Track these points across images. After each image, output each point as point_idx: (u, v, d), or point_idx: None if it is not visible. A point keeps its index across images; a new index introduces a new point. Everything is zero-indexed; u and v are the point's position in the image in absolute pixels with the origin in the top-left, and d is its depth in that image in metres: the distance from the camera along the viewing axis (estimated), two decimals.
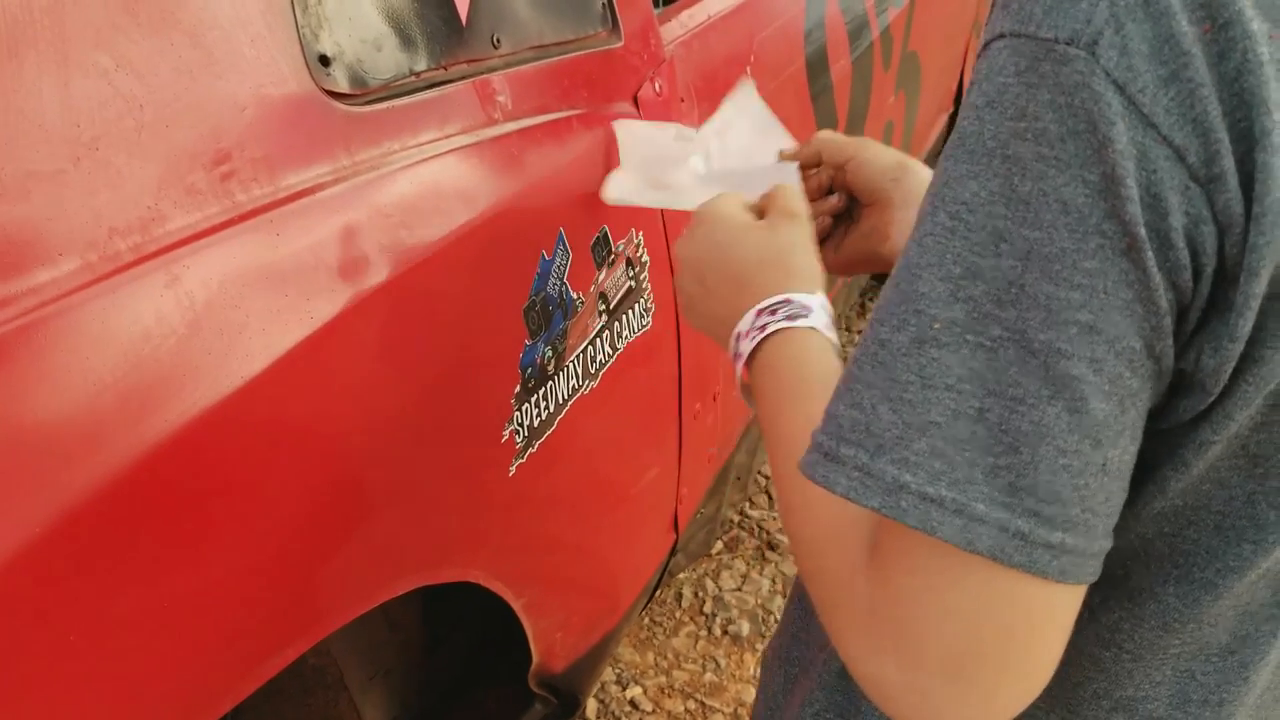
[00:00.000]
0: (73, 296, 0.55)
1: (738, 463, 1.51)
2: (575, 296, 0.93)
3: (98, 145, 0.57)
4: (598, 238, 0.96)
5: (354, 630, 1.09)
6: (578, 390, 0.94)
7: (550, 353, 0.89)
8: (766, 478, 2.37)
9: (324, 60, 0.72)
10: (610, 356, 0.99)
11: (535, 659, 1.01)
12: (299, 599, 0.66)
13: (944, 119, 2.41)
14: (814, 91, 1.43)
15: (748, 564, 2.14)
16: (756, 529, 2.23)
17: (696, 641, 1.97)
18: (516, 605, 0.93)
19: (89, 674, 0.53)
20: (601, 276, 0.97)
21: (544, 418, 0.89)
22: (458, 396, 0.79)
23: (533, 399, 0.87)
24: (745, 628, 1.99)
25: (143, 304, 0.57)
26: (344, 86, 0.73)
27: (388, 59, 0.77)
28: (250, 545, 0.62)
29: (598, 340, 0.97)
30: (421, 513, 0.76)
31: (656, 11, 1.17)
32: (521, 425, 0.86)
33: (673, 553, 1.24)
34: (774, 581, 2.10)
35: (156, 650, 0.57)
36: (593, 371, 0.96)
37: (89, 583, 0.52)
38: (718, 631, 1.99)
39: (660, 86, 1.08)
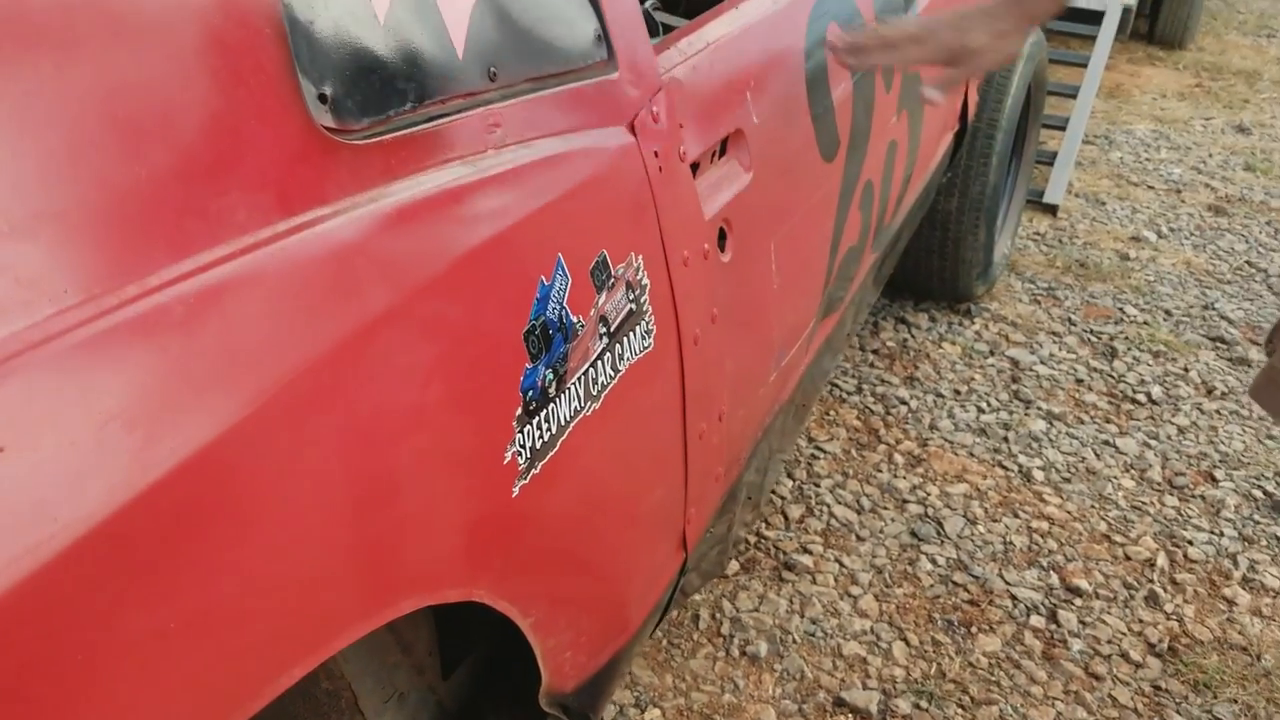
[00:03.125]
0: (76, 331, 0.57)
1: (748, 481, 1.52)
2: (575, 320, 0.95)
3: (94, 188, 0.60)
4: (597, 262, 0.98)
5: (366, 653, 1.11)
6: (580, 412, 0.96)
7: (551, 375, 0.91)
8: (782, 498, 2.38)
9: (323, 98, 0.74)
10: (612, 378, 1.01)
11: (545, 678, 1.02)
12: (303, 618, 0.68)
13: (949, 137, 2.42)
14: (815, 113, 1.45)
15: (765, 585, 2.15)
16: (773, 549, 2.23)
17: (714, 663, 1.97)
18: (524, 625, 0.94)
19: (93, 690, 0.54)
20: (601, 300, 0.98)
21: (546, 439, 0.91)
22: (460, 420, 0.81)
23: (534, 421, 0.89)
24: (763, 648, 1.99)
25: (149, 336, 0.59)
26: (343, 123, 0.75)
27: (385, 94, 0.79)
28: (254, 565, 0.64)
29: (599, 362, 0.99)
30: (426, 534, 0.77)
31: (655, 40, 1.19)
32: (523, 447, 0.88)
33: (682, 571, 1.25)
34: (791, 602, 2.11)
35: (159, 668, 0.59)
36: (595, 393, 0.98)
37: (96, 601, 0.54)
38: (735, 652, 1.99)
39: (657, 113, 1.10)
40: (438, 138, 0.83)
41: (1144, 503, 2.42)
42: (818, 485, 2.43)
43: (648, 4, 1.78)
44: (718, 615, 2.07)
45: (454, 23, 0.87)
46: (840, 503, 2.39)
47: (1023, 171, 3.26)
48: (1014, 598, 2.14)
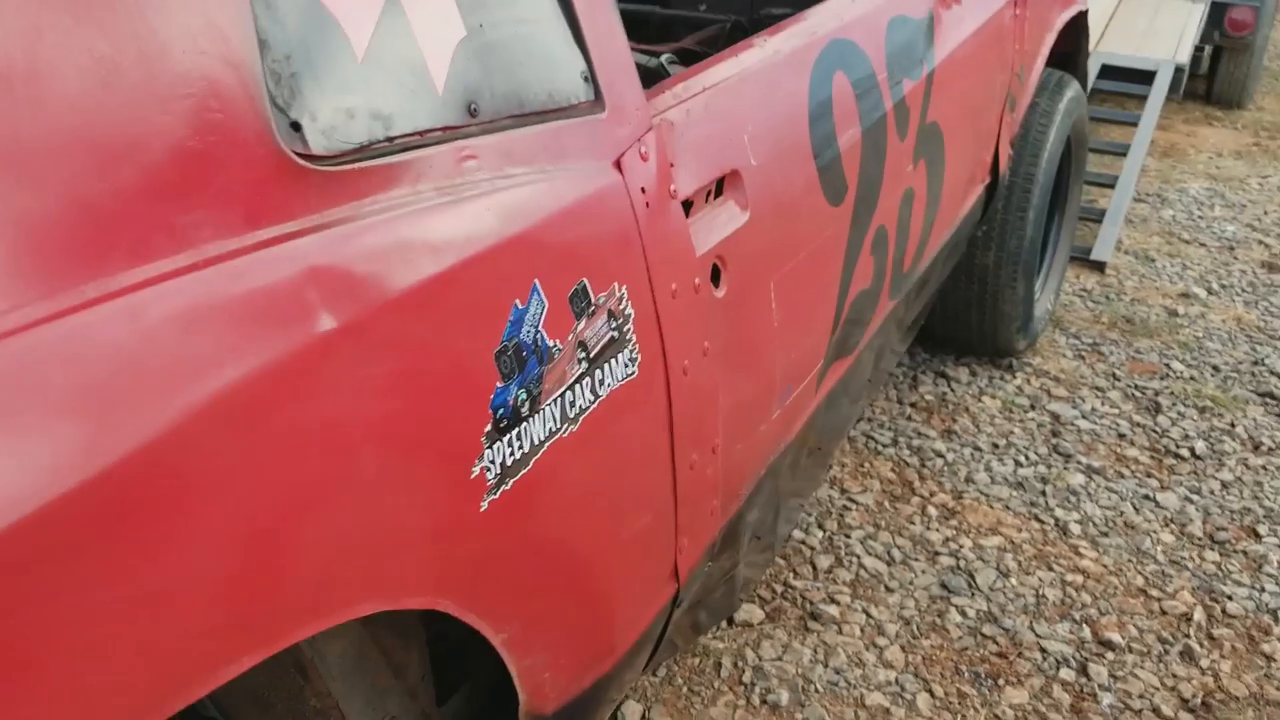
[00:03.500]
0: (42, 326, 0.62)
1: (753, 520, 1.53)
2: (552, 344, 0.98)
3: (69, 187, 0.65)
4: (576, 289, 1.01)
5: (355, 673, 1.14)
6: (555, 433, 0.99)
7: (524, 395, 0.95)
8: (811, 549, 2.38)
9: (295, 126, 0.79)
10: (591, 402, 1.04)
11: (523, 698, 1.04)
12: (258, 604, 0.71)
13: (979, 189, 2.43)
14: (819, 158, 1.48)
15: (789, 634, 2.14)
16: (799, 599, 2.23)
17: (735, 710, 1.97)
18: (496, 641, 0.97)
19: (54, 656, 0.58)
20: (580, 326, 1.02)
21: (518, 457, 0.94)
22: (424, 433, 0.84)
23: (505, 438, 0.92)
24: (784, 696, 1.98)
25: (107, 331, 0.64)
26: (314, 150, 0.80)
27: (360, 126, 0.84)
28: (211, 550, 0.67)
29: (577, 386, 1.02)
30: (385, 540, 0.81)
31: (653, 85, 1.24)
32: (493, 463, 0.91)
33: (675, 602, 1.27)
34: (815, 651, 2.10)
35: (115, 643, 0.62)
36: (572, 416, 1.01)
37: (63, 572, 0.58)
38: (756, 700, 1.98)
39: (646, 152, 1.14)
40: (411, 166, 0.88)
41: (1183, 557, 2.37)
42: (848, 536, 2.43)
43: (663, 57, 1.83)
44: (740, 663, 2.06)
45: (435, 61, 0.93)
46: (870, 554, 2.38)
47: (1065, 227, 3.25)
48: (1044, 650, 2.11)
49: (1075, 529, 2.45)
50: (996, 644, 2.13)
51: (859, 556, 2.36)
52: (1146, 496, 2.57)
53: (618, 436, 1.09)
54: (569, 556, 1.05)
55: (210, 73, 0.73)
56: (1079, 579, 2.30)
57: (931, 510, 2.52)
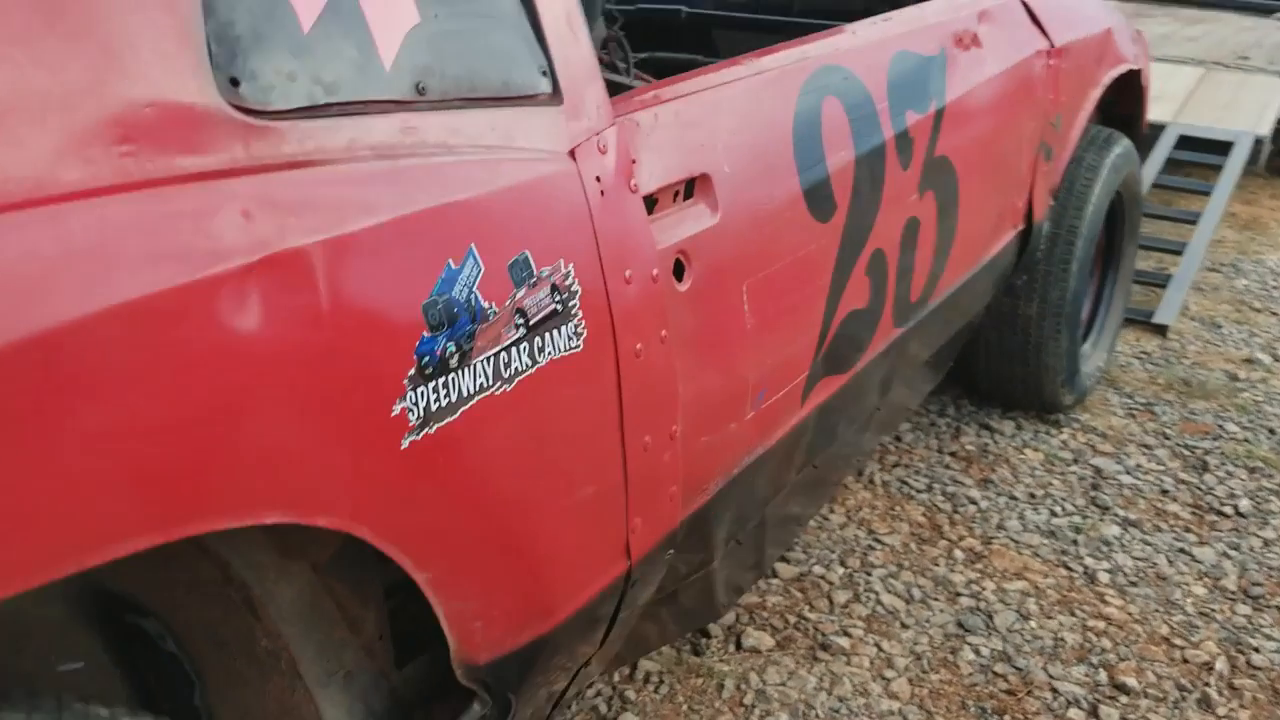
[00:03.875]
0: None
1: (728, 521, 1.57)
2: (486, 305, 1.06)
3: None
4: (517, 260, 1.09)
5: (307, 620, 1.21)
6: (486, 389, 1.06)
7: (454, 349, 1.02)
8: (830, 584, 2.39)
9: (234, 81, 0.89)
10: (529, 366, 1.11)
11: (452, 644, 1.10)
12: (159, 488, 0.79)
13: (1011, 234, 2.46)
14: (803, 174, 1.55)
15: (797, 662, 2.15)
16: (812, 630, 2.24)
17: None
18: (420, 579, 1.03)
19: None
20: (520, 294, 1.09)
21: (443, 405, 1.01)
22: (342, 365, 0.92)
23: (430, 385, 1.00)
24: (783, 718, 1.99)
25: (31, 229, 0.74)
26: (251, 105, 0.90)
27: (300, 89, 0.94)
28: (115, 435, 0.76)
29: (514, 349, 1.09)
30: (295, 452, 0.88)
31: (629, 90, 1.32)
32: (415, 405, 0.98)
33: (629, 581, 1.31)
34: (821, 679, 2.10)
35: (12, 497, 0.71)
36: (506, 376, 1.08)
37: None
38: None
39: (604, 145, 1.22)
40: (350, 129, 0.97)
41: (1213, 609, 2.32)
42: (869, 574, 2.43)
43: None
44: (743, 686, 2.08)
45: (385, 41, 1.02)
46: (890, 591, 2.38)
47: (1119, 286, 3.24)
48: (1055, 690, 2.08)
49: (1104, 577, 2.41)
50: (1007, 682, 2.11)
51: (877, 593, 2.36)
52: (1182, 550, 2.53)
53: (558, 404, 1.15)
54: (502, 509, 1.11)
55: (154, 25, 0.84)
56: (1101, 625, 2.26)
57: (958, 553, 2.51)
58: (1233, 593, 2.37)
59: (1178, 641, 2.22)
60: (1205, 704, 2.04)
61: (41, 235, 0.74)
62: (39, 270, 0.73)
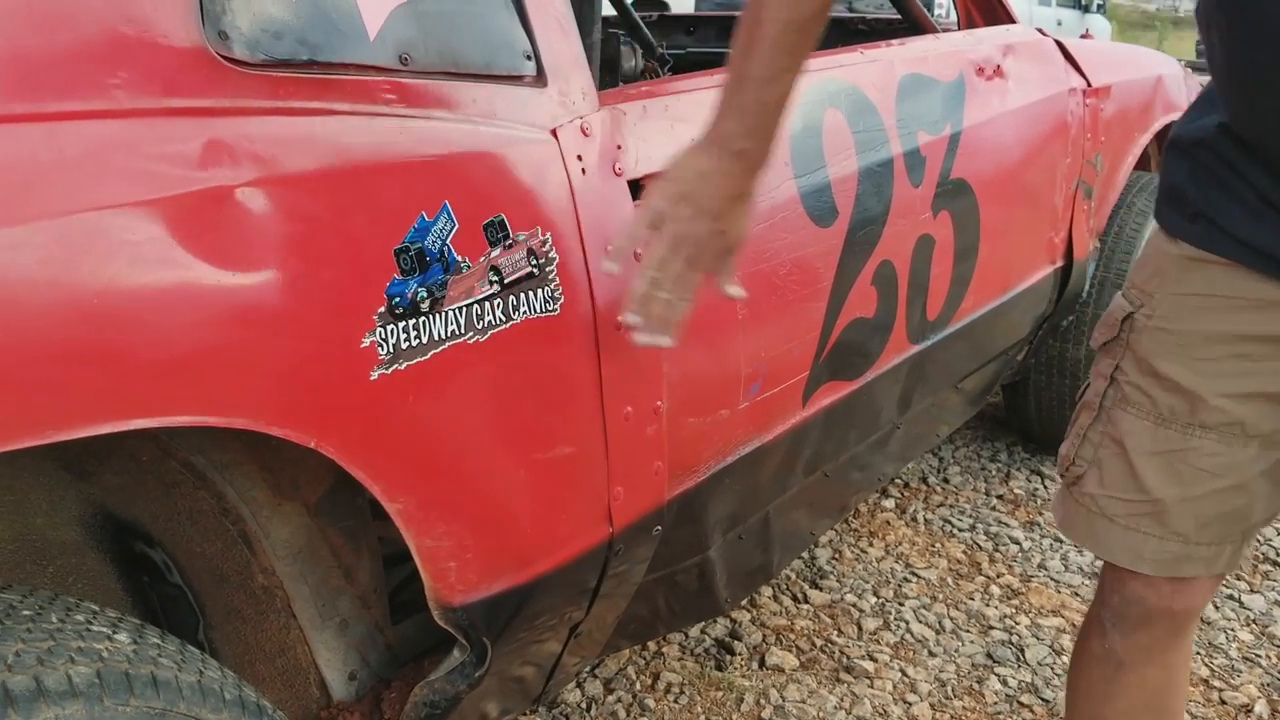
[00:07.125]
0: None
1: (725, 510, 1.61)
2: (460, 259, 1.14)
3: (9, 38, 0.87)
4: (492, 221, 1.18)
5: (301, 561, 1.29)
6: (458, 336, 1.14)
7: (425, 294, 1.10)
8: (861, 611, 2.39)
9: (222, 35, 1.00)
10: (502, 322, 1.18)
11: (427, 581, 1.16)
12: (106, 375, 0.87)
13: (1048, 270, 2.48)
14: (800, 179, 1.61)
15: (819, 682, 2.15)
16: (838, 654, 2.24)
17: None
18: (391, 509, 1.10)
19: None
20: (495, 253, 1.18)
21: (413, 344, 1.09)
22: (311, 292, 1.01)
23: (400, 324, 1.08)
24: None
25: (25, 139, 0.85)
26: (236, 55, 1.01)
27: (285, 46, 1.05)
28: (61, 322, 0.85)
29: (487, 304, 1.17)
30: (258, 359, 0.97)
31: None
32: (384, 341, 1.07)
33: (611, 549, 1.36)
34: (842, 700, 2.10)
35: None
36: (479, 327, 1.16)
37: None
38: None
39: (588, 128, 1.31)
40: (331, 86, 1.07)
41: (1258, 655, 2.26)
42: (901, 604, 2.43)
43: None
44: (762, 701, 2.09)
45: (370, 14, 1.13)
46: (921, 621, 2.37)
47: None
48: None
49: None
50: (1032, 712, 2.09)
51: (908, 622, 2.36)
52: (1231, 596, 2.47)
53: (532, 362, 1.22)
54: (474, 454, 1.17)
55: None
56: None
57: (995, 589, 2.49)
58: None
59: (1217, 684, 2.17)
60: None
61: (38, 143, 0.85)
62: (32, 174, 0.84)
